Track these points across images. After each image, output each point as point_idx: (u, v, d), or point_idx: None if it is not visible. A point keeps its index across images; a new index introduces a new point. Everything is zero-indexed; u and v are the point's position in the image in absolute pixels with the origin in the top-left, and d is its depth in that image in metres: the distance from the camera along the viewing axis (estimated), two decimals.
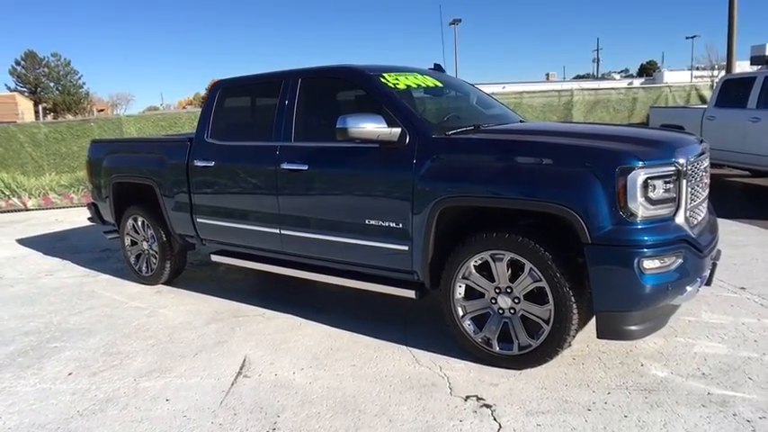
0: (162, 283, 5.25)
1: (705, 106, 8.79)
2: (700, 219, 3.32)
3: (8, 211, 9.99)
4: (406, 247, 3.51)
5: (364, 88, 3.84)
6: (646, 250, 2.83)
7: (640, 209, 2.83)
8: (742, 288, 4.36)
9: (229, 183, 4.47)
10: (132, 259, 5.40)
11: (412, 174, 3.40)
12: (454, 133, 3.52)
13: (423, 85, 4.10)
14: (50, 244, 7.27)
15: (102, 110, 51.12)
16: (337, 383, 3.21)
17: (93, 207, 5.75)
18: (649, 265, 2.83)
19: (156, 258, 5.16)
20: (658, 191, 2.88)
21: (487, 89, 5.97)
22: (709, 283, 3.35)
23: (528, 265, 3.08)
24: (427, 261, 3.43)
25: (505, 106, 4.89)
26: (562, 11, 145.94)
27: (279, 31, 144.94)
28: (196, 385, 3.29)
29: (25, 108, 41.81)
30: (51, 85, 52.65)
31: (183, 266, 5.30)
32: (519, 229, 3.12)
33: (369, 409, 2.91)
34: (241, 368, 3.47)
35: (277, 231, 4.18)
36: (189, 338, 4.00)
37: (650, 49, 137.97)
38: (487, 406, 2.87)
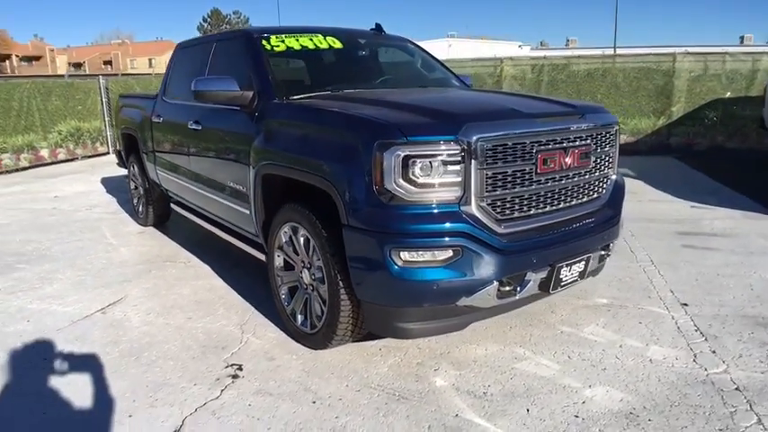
0: (151, 225, 5.89)
1: None
2: (535, 211, 2.76)
3: None
4: (248, 211, 3.51)
5: (243, 50, 3.82)
6: (401, 240, 2.50)
7: (401, 191, 2.48)
8: (684, 305, 3.53)
9: (169, 138, 4.81)
10: (135, 201, 6.12)
11: (251, 137, 3.36)
12: (299, 98, 3.37)
13: (314, 46, 3.91)
14: (119, 184, 8.46)
15: None
16: (156, 331, 3.41)
17: (119, 154, 6.59)
18: (407, 257, 2.50)
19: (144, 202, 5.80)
20: (429, 172, 2.48)
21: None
22: (546, 289, 2.81)
23: (312, 242, 2.91)
24: (259, 226, 3.40)
25: (450, 72, 4.43)
26: None
27: None
28: (63, 314, 3.73)
29: None
30: None
31: (166, 212, 5.84)
32: (309, 203, 2.94)
33: (146, 359, 3.07)
34: (109, 305, 3.84)
35: (191, 187, 4.44)
36: (111, 275, 4.49)
37: None
38: (235, 377, 2.85)
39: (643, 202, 6.35)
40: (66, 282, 4.34)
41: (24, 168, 10.08)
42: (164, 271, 4.53)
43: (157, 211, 5.75)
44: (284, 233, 3.16)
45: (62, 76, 15.98)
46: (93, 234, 5.71)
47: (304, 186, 2.94)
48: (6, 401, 2.72)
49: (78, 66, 52.45)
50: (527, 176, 2.68)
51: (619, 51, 23.96)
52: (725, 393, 2.55)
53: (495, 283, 2.60)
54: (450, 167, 2.50)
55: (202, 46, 4.53)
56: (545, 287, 2.81)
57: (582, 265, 2.92)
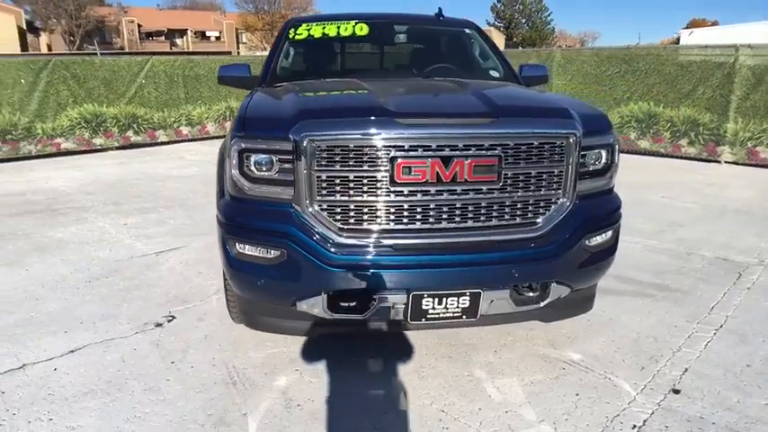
0: None
1: None
2: (395, 226, 2.40)
3: None
4: None
5: (277, 36, 4.05)
6: (235, 231, 2.57)
7: (242, 185, 2.52)
8: (674, 391, 2.57)
9: None
10: None
11: None
12: (276, 86, 3.49)
13: (335, 34, 3.88)
14: None
15: (569, 46, 52.79)
16: (167, 277, 4.03)
17: None
18: (239, 249, 2.54)
19: None
20: (263, 168, 2.45)
21: None
22: (406, 317, 2.44)
23: None
24: None
25: (502, 63, 3.86)
26: None
27: None
28: (135, 250, 4.65)
29: (498, 42, 47.66)
30: (523, 21, 57.12)
31: None
32: None
33: (132, 296, 3.69)
34: (167, 250, 4.64)
35: None
36: (202, 227, 5.27)
37: None
38: (158, 325, 3.29)
39: None
40: (169, 226, 5.35)
41: None
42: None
43: None
44: None
45: None
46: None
47: None
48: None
49: None
50: (378, 185, 2.34)
51: None
52: None
53: (324, 296, 2.40)
54: (284, 166, 2.40)
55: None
56: (405, 316, 2.44)
57: (464, 301, 2.41)
